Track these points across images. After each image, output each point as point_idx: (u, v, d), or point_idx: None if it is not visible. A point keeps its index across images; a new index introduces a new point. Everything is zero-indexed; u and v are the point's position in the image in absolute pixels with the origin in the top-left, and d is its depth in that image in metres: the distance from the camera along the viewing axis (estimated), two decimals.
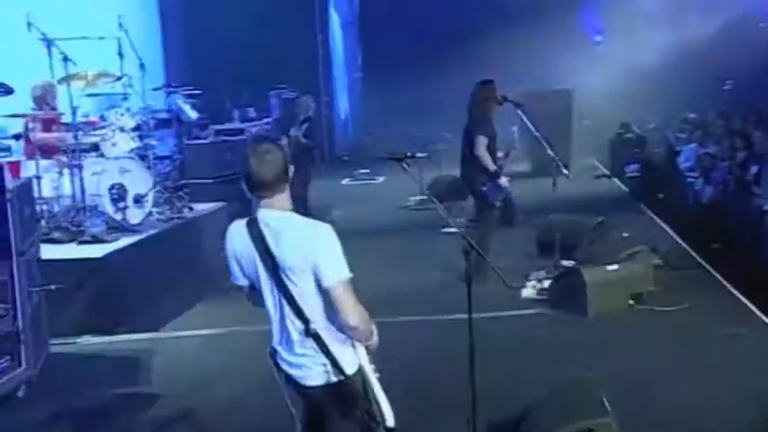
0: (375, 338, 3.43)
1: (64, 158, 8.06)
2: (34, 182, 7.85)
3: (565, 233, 8.61)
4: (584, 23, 20.06)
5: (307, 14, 17.08)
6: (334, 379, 3.29)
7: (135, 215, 8.23)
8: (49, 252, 7.31)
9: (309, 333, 3.24)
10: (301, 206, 11.30)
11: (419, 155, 4.59)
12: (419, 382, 5.64)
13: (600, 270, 7.13)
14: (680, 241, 9.46)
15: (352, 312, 3.22)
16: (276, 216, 3.29)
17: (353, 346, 3.36)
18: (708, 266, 8.32)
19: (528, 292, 7.55)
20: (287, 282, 3.24)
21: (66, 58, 7.83)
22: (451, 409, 4.84)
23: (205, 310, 7.97)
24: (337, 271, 3.21)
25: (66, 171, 8.03)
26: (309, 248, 3.20)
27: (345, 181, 15.88)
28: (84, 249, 7.54)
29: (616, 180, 13.53)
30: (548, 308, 7.20)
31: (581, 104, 16.99)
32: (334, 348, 3.29)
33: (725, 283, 7.76)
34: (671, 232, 9.94)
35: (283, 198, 3.32)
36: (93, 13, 10.35)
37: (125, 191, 8.15)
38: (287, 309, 3.27)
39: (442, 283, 8.00)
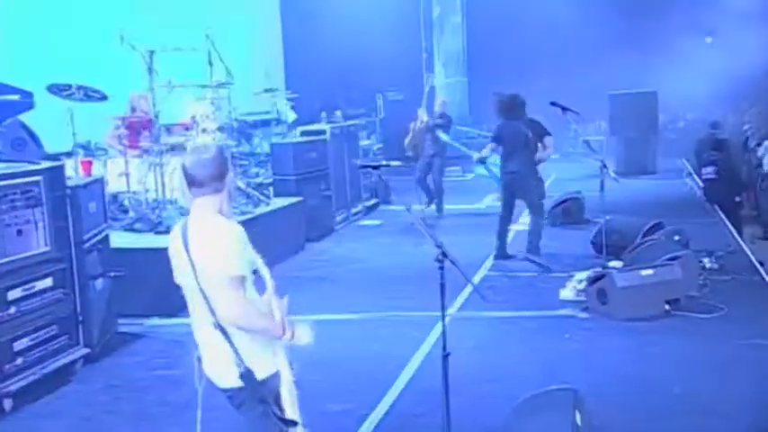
0: (302, 336, 3.24)
1: (150, 157, 8.36)
2: (125, 178, 8.27)
3: (618, 234, 8.20)
4: (694, 24, 18.86)
5: (411, 19, 16.99)
6: (244, 382, 3.13)
7: None
8: (130, 241, 7.63)
9: (217, 326, 3.12)
10: (437, 188, 11.25)
11: (393, 164, 4.46)
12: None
13: (633, 274, 6.68)
14: (743, 245, 8.76)
15: (227, 307, 3.08)
16: (199, 218, 3.20)
17: (273, 351, 3.22)
18: (763, 272, 7.66)
19: (566, 293, 7.18)
20: (200, 282, 3.14)
21: (150, 69, 8.09)
22: None
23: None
24: (222, 267, 3.07)
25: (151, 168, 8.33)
26: (209, 249, 3.11)
27: None
28: (159, 239, 7.78)
29: (698, 181, 12.73)
30: (580, 310, 6.82)
31: (679, 105, 16.04)
32: (246, 349, 3.14)
33: None
34: (736, 236, 9.22)
35: (213, 200, 3.19)
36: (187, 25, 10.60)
37: None
38: (203, 307, 3.16)
39: None
